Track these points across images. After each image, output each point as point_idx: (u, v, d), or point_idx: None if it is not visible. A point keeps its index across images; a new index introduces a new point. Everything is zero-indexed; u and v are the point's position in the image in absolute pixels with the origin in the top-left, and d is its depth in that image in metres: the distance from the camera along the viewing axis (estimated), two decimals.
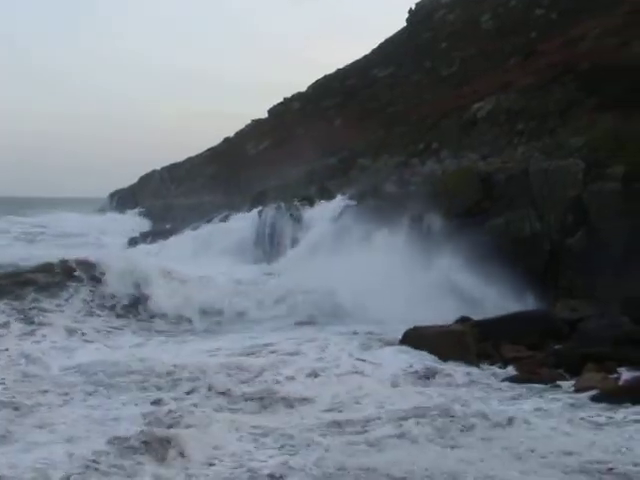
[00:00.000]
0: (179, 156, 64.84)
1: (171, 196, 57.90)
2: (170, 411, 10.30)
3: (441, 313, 15.57)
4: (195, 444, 8.98)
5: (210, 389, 11.61)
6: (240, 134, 61.82)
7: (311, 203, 27.78)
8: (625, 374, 11.96)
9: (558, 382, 11.72)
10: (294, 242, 26.21)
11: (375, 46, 56.58)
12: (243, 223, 29.60)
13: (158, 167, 68.06)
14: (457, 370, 12.64)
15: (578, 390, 11.07)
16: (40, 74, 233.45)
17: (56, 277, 19.63)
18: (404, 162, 29.35)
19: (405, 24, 55.95)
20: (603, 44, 26.26)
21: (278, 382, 11.95)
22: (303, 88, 58.29)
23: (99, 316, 17.70)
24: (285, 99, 58.96)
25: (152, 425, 9.68)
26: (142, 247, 32.44)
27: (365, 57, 55.64)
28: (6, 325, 15.89)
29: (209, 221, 33.35)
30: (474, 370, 12.83)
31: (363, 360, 13.15)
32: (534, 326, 14.57)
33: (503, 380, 12.22)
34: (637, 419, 9.83)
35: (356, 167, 33.10)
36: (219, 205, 39.98)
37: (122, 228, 47.53)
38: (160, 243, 31.96)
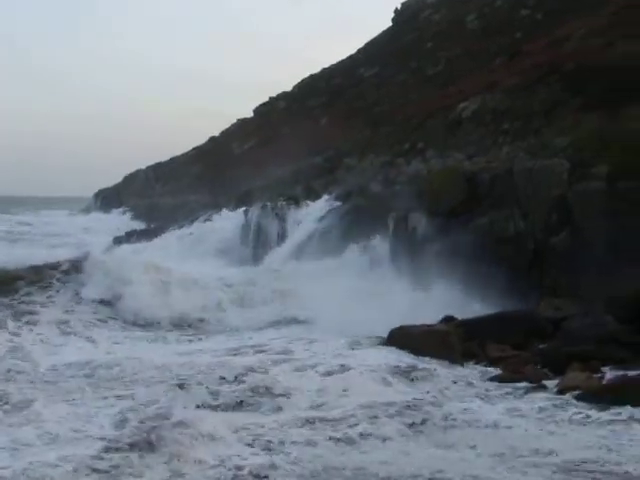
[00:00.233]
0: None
1: (156, 195, 57.79)
2: (156, 410, 10.30)
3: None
4: (181, 443, 8.98)
5: (196, 388, 11.59)
6: (226, 133, 61.77)
7: (297, 202, 27.76)
8: (609, 373, 12.00)
9: (543, 381, 11.74)
10: (280, 242, 26.19)
11: (361, 46, 56.65)
12: (228, 223, 29.56)
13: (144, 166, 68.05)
14: (441, 369, 12.66)
15: (562, 389, 11.09)
16: (39, 74, 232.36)
17: (39, 277, 19.66)
18: (390, 162, 29.35)
19: (391, 24, 55.97)
20: (588, 44, 26.31)
21: (264, 380, 11.93)
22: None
23: (84, 315, 17.63)
24: (271, 98, 58.93)
25: (137, 424, 9.67)
26: (127, 247, 32.29)
27: (351, 57, 55.65)
28: None
29: (194, 220, 33.32)
30: (458, 369, 12.86)
31: (348, 358, 13.15)
32: (519, 326, 14.60)
33: (488, 379, 12.24)
34: (621, 418, 9.86)
35: (342, 167, 33.07)
36: (205, 204, 39.95)
37: (107, 227, 47.36)
38: (145, 243, 31.85)
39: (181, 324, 17.66)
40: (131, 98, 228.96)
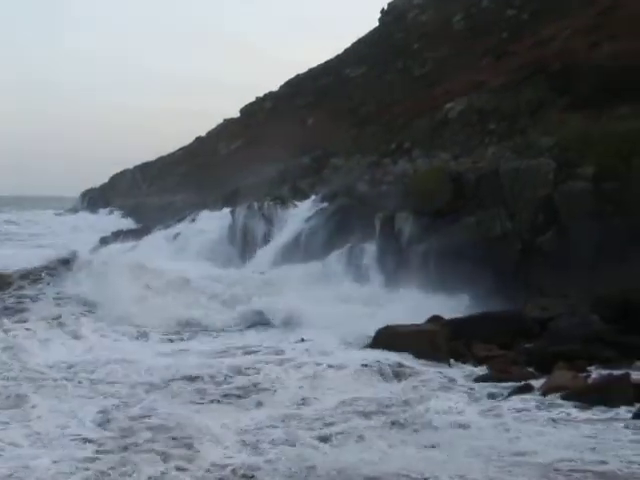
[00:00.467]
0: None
1: (143, 195, 57.65)
2: (140, 410, 10.32)
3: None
4: (167, 442, 8.97)
5: (182, 387, 11.58)
6: (212, 133, 61.67)
7: (284, 203, 27.72)
8: (595, 373, 12.04)
9: (529, 381, 11.75)
10: (265, 242, 26.16)
11: (347, 46, 56.63)
12: (215, 223, 29.50)
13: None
14: (428, 368, 12.68)
15: (548, 389, 11.11)
16: (24, 75, 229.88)
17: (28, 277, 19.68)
18: (376, 162, 29.37)
19: (377, 24, 55.99)
20: (574, 45, 26.40)
21: (249, 380, 11.97)
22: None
23: (71, 316, 17.55)
24: (257, 98, 58.84)
25: (121, 424, 9.67)
26: (114, 247, 32.19)
27: (337, 57, 55.63)
28: None
29: (181, 220, 33.25)
30: (445, 369, 12.87)
31: (334, 357, 13.17)
32: (505, 325, 14.62)
33: (474, 379, 12.25)
34: (606, 418, 9.88)
35: (329, 166, 33.08)
36: (191, 204, 39.86)
37: (97, 226, 47.14)
38: (131, 243, 31.75)
39: (166, 324, 17.56)
40: (115, 98, 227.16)
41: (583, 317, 14.05)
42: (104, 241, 34.77)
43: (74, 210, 69.45)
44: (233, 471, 8.22)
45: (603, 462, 8.26)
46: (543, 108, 24.12)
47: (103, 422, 9.91)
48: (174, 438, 9.21)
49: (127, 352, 14.32)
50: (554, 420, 9.88)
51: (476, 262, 17.63)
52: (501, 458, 8.48)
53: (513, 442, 9.02)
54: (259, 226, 26.97)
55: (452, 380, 12.16)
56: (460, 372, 12.73)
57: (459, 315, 15.58)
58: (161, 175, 60.23)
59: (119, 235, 36.11)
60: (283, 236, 25.23)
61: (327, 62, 55.77)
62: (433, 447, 8.97)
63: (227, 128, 59.19)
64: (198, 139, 62.69)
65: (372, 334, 14.50)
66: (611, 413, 10.03)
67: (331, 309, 17.70)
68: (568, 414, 10.10)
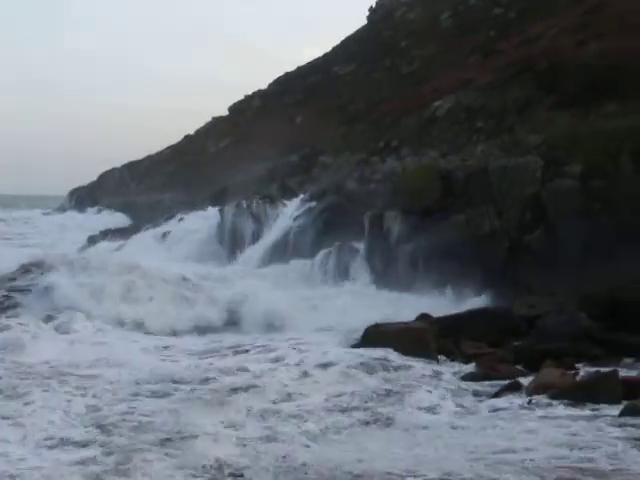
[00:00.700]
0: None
1: (131, 194, 57.48)
2: (127, 409, 10.34)
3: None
4: (153, 441, 8.98)
5: (169, 386, 11.59)
6: (200, 131, 61.56)
7: (272, 201, 27.71)
8: (583, 370, 12.10)
9: (517, 378, 11.78)
10: (254, 241, 26.15)
11: (336, 44, 56.61)
12: (204, 221, 29.47)
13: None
14: (416, 366, 12.70)
15: (536, 386, 11.15)
16: (13, 74, 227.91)
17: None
18: (365, 160, 29.42)
19: (366, 22, 56.01)
20: (561, 43, 26.49)
21: (238, 378, 11.98)
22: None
23: (59, 315, 17.48)
24: (246, 96, 58.76)
25: (108, 424, 9.72)
26: (101, 245, 32.14)
27: (325, 55, 55.62)
28: None
29: (169, 219, 33.22)
30: (433, 366, 12.90)
31: (320, 355, 13.21)
32: (494, 323, 14.67)
33: (462, 377, 12.28)
34: (594, 415, 9.93)
35: (317, 165, 33.11)
36: (180, 203, 39.80)
37: (84, 225, 46.97)
38: (119, 242, 31.71)
39: (153, 323, 17.50)
40: (114, 98, 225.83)
41: (571, 315, 14.10)
42: (92, 240, 34.71)
43: (62, 209, 69.16)
44: (220, 469, 8.22)
45: (591, 459, 8.29)
46: (530, 106, 24.21)
47: (88, 420, 9.92)
48: (161, 437, 9.20)
49: (114, 350, 14.28)
50: (542, 418, 9.91)
51: (465, 260, 17.66)
52: (488, 455, 8.50)
53: (501, 439, 9.04)
54: (248, 225, 26.96)
55: (440, 378, 12.18)
56: (448, 370, 12.76)
57: (448, 313, 15.60)
58: (149, 173, 60.08)
59: (107, 234, 36.06)
60: (272, 235, 25.23)
61: (316, 60, 55.75)
62: (420, 445, 8.99)
63: (216, 126, 59.09)
64: (187, 137, 62.54)
65: (361, 332, 14.51)
66: (599, 410, 10.07)
67: (320, 307, 17.74)
68: (556, 412, 10.14)
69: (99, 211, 57.50)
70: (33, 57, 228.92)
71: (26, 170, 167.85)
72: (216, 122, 60.25)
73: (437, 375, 12.34)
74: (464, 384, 11.85)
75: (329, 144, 35.04)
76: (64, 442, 9.08)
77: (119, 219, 47.21)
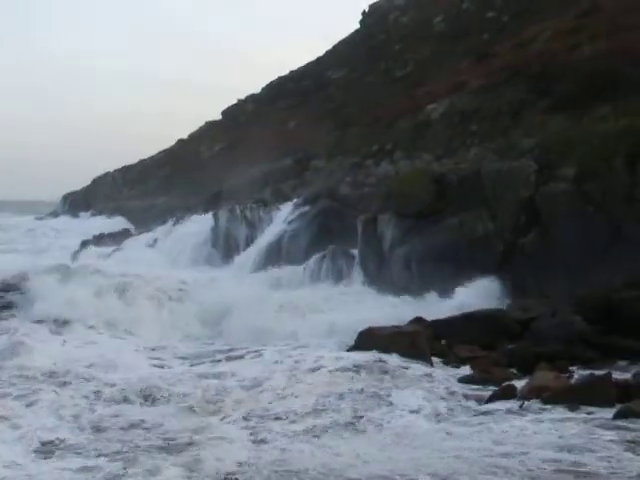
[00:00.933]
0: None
1: (124, 198, 57.46)
2: (118, 411, 10.28)
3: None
4: (144, 446, 9.00)
5: (162, 393, 11.55)
6: (194, 136, 61.56)
7: (266, 205, 27.71)
8: (577, 373, 12.08)
9: (511, 382, 11.75)
10: (248, 245, 26.12)
11: (329, 47, 56.69)
12: (197, 226, 29.45)
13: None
14: (410, 369, 12.65)
15: (530, 389, 11.11)
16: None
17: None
18: (358, 163, 29.43)
19: (359, 26, 56.08)
20: (554, 46, 26.54)
21: (229, 383, 11.98)
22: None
23: (49, 319, 17.44)
24: (239, 101, 58.81)
25: (99, 425, 9.82)
26: (94, 250, 32.08)
27: (319, 59, 55.67)
28: None
29: (163, 223, 33.20)
30: (427, 369, 12.85)
31: (312, 359, 13.16)
32: (488, 326, 14.64)
33: (456, 379, 12.25)
34: (588, 418, 9.90)
35: (311, 169, 33.11)
36: (174, 207, 39.77)
37: (78, 229, 46.90)
38: (112, 247, 31.68)
39: (146, 329, 17.42)
40: (92, 101, 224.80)
41: (565, 318, 14.08)
42: (85, 245, 34.65)
43: (55, 214, 69.10)
44: (215, 473, 8.19)
45: (584, 462, 8.27)
46: (524, 109, 24.24)
47: (79, 424, 9.99)
48: (155, 442, 9.19)
49: (105, 355, 14.20)
50: (535, 421, 9.88)
51: (458, 263, 17.64)
52: (483, 459, 8.48)
53: (495, 443, 9.01)
54: (241, 229, 26.94)
55: (434, 381, 12.13)
56: (442, 373, 12.72)
57: (441, 316, 15.57)
58: (143, 178, 60.06)
59: (101, 238, 36.02)
60: (265, 239, 25.19)
61: (308, 64, 55.81)
62: (414, 448, 8.97)
63: (209, 131, 59.13)
64: (180, 142, 62.55)
65: (354, 336, 14.47)
66: (593, 413, 10.05)
67: (313, 311, 17.69)
68: (550, 415, 10.11)
69: (92, 215, 57.46)
70: (18, 60, 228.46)
71: (15, 175, 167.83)
72: (209, 126, 60.29)
73: (431, 378, 12.29)
74: (458, 387, 11.82)
75: (322, 148, 35.04)
76: (60, 447, 9.06)
77: (119, 223, 46.93)
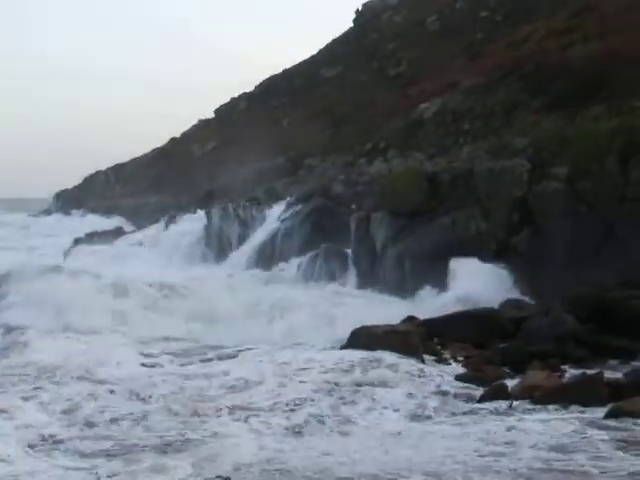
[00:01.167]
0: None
1: (116, 197, 57.38)
2: (112, 413, 10.27)
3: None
4: (145, 447, 8.97)
5: (156, 392, 11.53)
6: (186, 134, 61.45)
7: (259, 204, 27.69)
8: (569, 372, 12.08)
9: (503, 380, 11.75)
10: (241, 244, 26.10)
11: (322, 46, 56.63)
12: (190, 225, 29.43)
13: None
14: (402, 367, 12.60)
15: (522, 388, 11.11)
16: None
17: None
18: (351, 162, 29.45)
19: (352, 25, 56.04)
20: (547, 46, 26.58)
21: (222, 380, 11.97)
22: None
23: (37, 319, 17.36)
24: (232, 99, 58.70)
25: (99, 427, 9.74)
26: (86, 249, 32.00)
27: (312, 57, 55.62)
28: None
29: (156, 222, 33.17)
30: (420, 368, 12.79)
31: (303, 359, 13.15)
32: (480, 325, 14.63)
33: (448, 378, 12.22)
34: (579, 417, 9.89)
35: (304, 167, 33.11)
36: (166, 205, 39.74)
37: (70, 227, 46.78)
38: (105, 246, 31.62)
39: (138, 332, 17.34)
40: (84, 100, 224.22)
41: (557, 317, 14.07)
42: (78, 242, 34.58)
43: (48, 212, 68.99)
44: (208, 471, 8.17)
45: (575, 461, 8.26)
46: (517, 109, 24.27)
47: (71, 420, 10.01)
48: (147, 441, 9.17)
49: (98, 354, 14.18)
50: (527, 420, 9.88)
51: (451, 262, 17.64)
52: (474, 458, 8.47)
53: (486, 442, 9.01)
54: (234, 228, 26.91)
55: (426, 379, 12.11)
56: (434, 371, 12.68)
57: (434, 315, 15.56)
58: (135, 176, 59.96)
59: (93, 236, 35.93)
60: (258, 237, 25.18)
61: (302, 62, 55.75)
62: (405, 447, 8.95)
63: (202, 129, 59.02)
64: (172, 140, 62.43)
65: (347, 334, 14.45)
66: (584, 412, 10.05)
67: (306, 309, 17.67)
68: (541, 414, 10.11)
69: (84, 214, 57.35)
70: (15, 60, 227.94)
71: (8, 173, 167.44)
72: (202, 125, 60.18)
73: (423, 377, 12.25)
74: (450, 386, 11.79)
75: (316, 146, 35.05)
76: (51, 443, 9.05)
77: (112, 221, 46.72)
